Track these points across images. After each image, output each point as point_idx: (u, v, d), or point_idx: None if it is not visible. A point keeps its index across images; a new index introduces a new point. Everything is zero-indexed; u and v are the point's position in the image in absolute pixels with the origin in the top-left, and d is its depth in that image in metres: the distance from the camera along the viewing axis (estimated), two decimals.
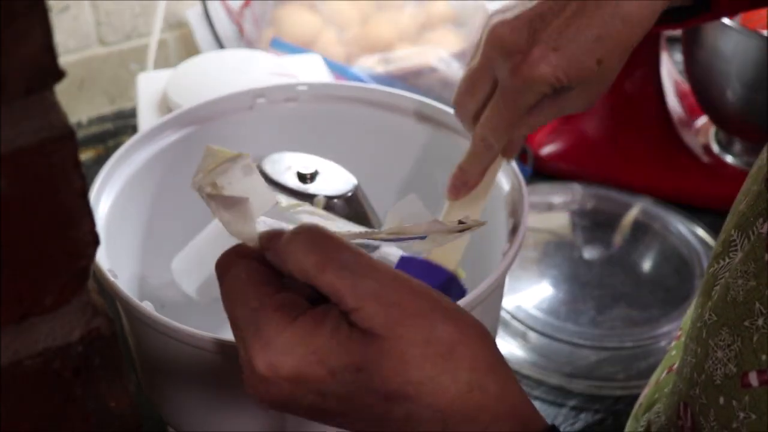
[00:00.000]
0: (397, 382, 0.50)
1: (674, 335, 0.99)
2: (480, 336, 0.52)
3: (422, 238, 0.58)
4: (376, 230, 0.56)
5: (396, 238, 0.57)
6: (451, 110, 0.87)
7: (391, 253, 0.77)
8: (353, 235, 0.56)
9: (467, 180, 0.78)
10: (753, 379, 0.60)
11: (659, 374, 0.81)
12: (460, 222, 0.57)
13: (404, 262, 0.76)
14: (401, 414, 0.51)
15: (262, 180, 0.55)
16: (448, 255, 0.76)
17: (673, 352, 0.80)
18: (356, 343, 0.50)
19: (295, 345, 0.50)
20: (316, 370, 0.50)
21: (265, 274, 0.53)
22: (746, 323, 0.60)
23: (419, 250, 0.65)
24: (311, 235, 0.51)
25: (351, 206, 0.78)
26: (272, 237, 0.53)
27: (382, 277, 0.50)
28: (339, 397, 0.51)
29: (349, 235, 0.56)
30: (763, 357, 0.59)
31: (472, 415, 0.51)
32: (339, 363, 0.50)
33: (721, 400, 0.62)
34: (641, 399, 0.83)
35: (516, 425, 0.51)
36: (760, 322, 0.59)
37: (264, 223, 0.57)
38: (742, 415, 0.60)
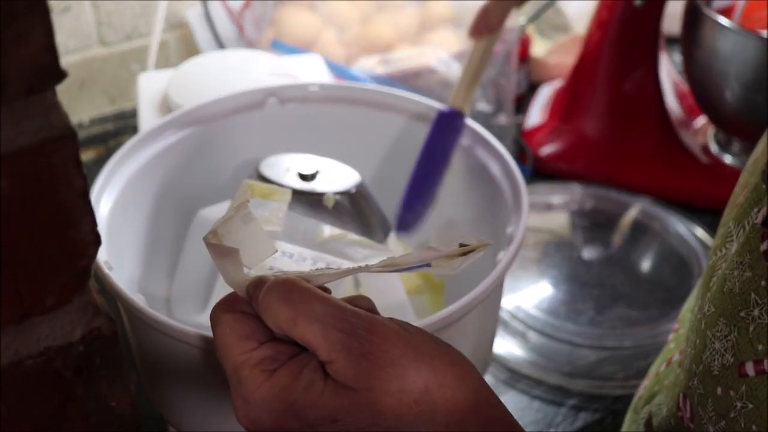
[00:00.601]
0: (374, 430, 0.50)
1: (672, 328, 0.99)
2: (458, 376, 0.51)
3: (426, 266, 0.56)
4: (371, 265, 0.55)
5: (393, 270, 0.56)
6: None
7: None
8: (347, 271, 0.55)
9: (490, 21, 0.91)
10: (749, 368, 0.60)
11: (658, 366, 0.81)
12: (462, 245, 0.55)
13: None
14: None
15: (261, 229, 0.55)
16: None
17: (672, 345, 0.80)
18: (331, 396, 0.50)
19: (271, 401, 0.51)
20: (294, 424, 0.51)
21: (250, 326, 0.54)
22: (742, 314, 0.60)
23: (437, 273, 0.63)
24: (283, 288, 0.52)
25: (356, 201, 0.78)
26: (256, 287, 0.54)
27: (353, 328, 0.51)
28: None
29: (342, 273, 0.56)
30: (760, 347, 0.59)
31: None
32: (315, 416, 0.50)
33: (719, 390, 0.62)
34: (640, 391, 0.83)
35: None
36: (756, 312, 0.59)
37: (281, 256, 0.57)
38: (739, 404, 0.61)
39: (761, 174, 0.63)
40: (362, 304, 0.55)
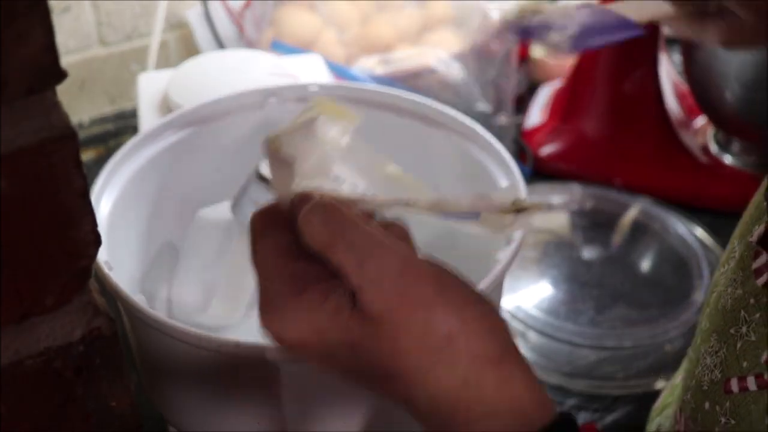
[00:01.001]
0: (390, 367, 0.51)
1: (673, 334, 1.00)
2: (486, 329, 0.51)
3: (473, 217, 0.55)
4: (419, 201, 0.54)
5: (440, 213, 0.55)
6: (456, 112, 0.88)
7: None
8: (394, 201, 0.55)
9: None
10: (734, 385, 0.60)
11: (675, 378, 0.81)
12: (516, 203, 0.54)
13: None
14: (400, 393, 0.52)
15: (321, 147, 0.55)
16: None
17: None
18: (355, 324, 0.51)
19: (296, 318, 0.52)
20: (316, 345, 0.52)
21: (286, 240, 0.54)
22: (732, 330, 0.61)
23: (471, 233, 0.58)
24: (327, 210, 0.52)
25: None
26: (301, 201, 0.54)
27: (389, 262, 0.51)
28: (341, 367, 0.54)
29: (388, 201, 0.55)
30: (745, 364, 0.59)
31: (463, 409, 0.50)
32: (336, 340, 0.51)
33: (707, 405, 0.63)
34: (659, 401, 0.83)
35: (513, 421, 0.50)
36: (744, 329, 0.59)
37: (335, 179, 0.57)
38: (723, 420, 0.61)
39: (765, 190, 0.63)
40: (398, 233, 0.55)
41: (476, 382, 0.50)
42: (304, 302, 0.52)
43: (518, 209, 0.54)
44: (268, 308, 0.53)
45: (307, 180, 0.55)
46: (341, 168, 0.64)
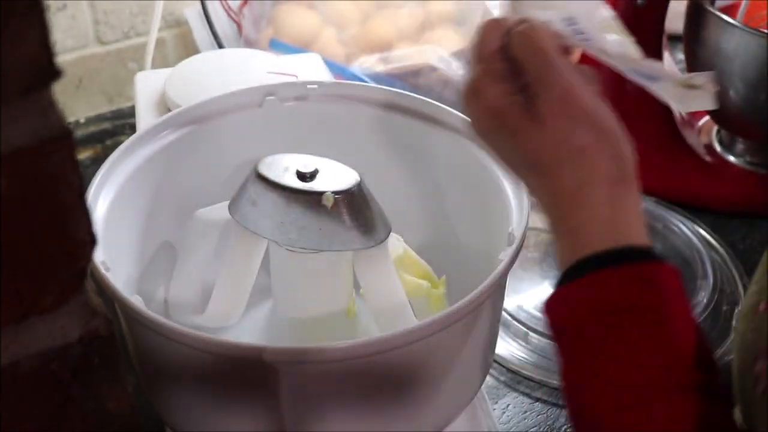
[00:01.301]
0: (533, 158, 0.66)
1: None
2: (614, 155, 0.66)
3: (655, 80, 0.70)
4: (611, 50, 0.70)
5: (628, 65, 0.71)
6: (457, 112, 0.87)
7: None
8: (585, 43, 0.70)
9: None
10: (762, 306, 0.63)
11: None
12: (688, 80, 0.66)
13: None
14: (534, 183, 0.68)
15: None
16: None
17: None
18: (524, 116, 0.66)
19: (490, 98, 0.67)
20: (494, 122, 0.67)
21: (500, 46, 0.68)
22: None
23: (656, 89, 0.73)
24: (536, 32, 0.67)
25: (356, 201, 0.78)
26: (520, 21, 0.68)
27: (563, 84, 0.65)
28: (499, 147, 0.70)
29: (581, 43, 0.70)
30: None
31: (575, 209, 0.64)
32: (508, 123, 0.66)
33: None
34: None
35: (608, 235, 0.63)
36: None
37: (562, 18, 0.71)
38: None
39: None
40: (584, 73, 0.68)
41: (589, 190, 0.63)
42: (499, 88, 0.67)
43: (690, 86, 0.67)
44: (474, 84, 0.68)
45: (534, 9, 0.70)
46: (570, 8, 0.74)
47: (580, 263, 0.64)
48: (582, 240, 0.64)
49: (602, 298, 0.62)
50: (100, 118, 1.45)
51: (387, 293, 0.81)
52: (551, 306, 0.65)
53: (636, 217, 0.65)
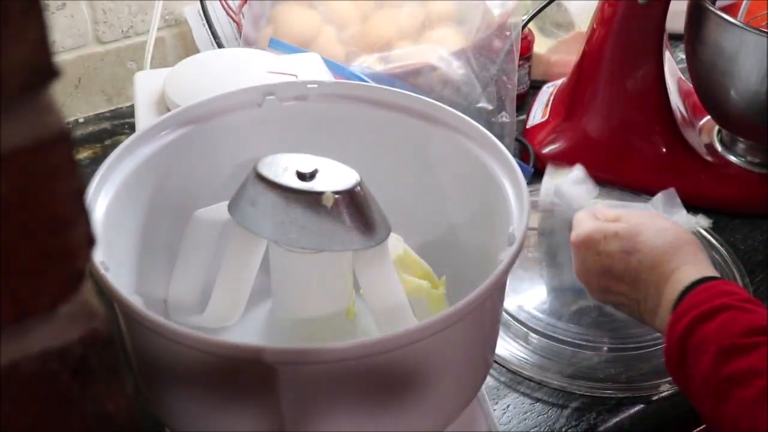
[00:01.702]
0: (633, 243, 0.96)
1: None
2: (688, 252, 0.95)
3: None
4: None
5: None
6: (460, 113, 0.87)
7: None
8: None
9: None
10: None
11: None
12: None
13: None
14: (634, 263, 0.95)
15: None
16: None
17: None
18: (622, 228, 0.98)
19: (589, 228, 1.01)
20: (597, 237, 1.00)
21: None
22: None
23: None
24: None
25: (356, 201, 0.78)
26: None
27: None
28: (606, 255, 0.98)
29: None
30: None
31: (657, 277, 0.94)
32: (608, 232, 0.99)
33: None
34: None
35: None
36: None
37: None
38: None
39: None
40: None
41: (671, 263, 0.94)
42: (594, 224, 1.02)
43: None
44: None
45: None
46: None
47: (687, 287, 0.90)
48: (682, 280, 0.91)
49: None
50: (99, 118, 1.45)
51: (386, 293, 0.81)
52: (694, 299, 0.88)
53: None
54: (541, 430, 0.97)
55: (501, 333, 1.05)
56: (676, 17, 1.26)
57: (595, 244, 0.98)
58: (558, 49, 1.51)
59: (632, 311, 0.98)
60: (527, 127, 1.36)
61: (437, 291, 0.88)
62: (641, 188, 1.25)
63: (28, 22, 0.37)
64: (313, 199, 0.76)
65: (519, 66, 1.33)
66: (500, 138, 0.88)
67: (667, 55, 1.28)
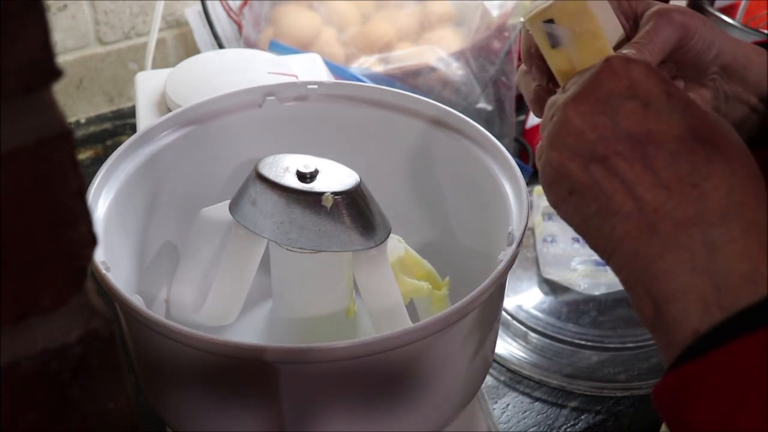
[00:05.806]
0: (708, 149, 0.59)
1: None
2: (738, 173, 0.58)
3: None
4: None
5: None
6: (460, 114, 0.87)
7: None
8: None
9: None
10: None
11: None
12: None
13: None
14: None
15: None
16: None
17: None
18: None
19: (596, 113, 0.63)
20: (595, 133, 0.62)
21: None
22: None
23: None
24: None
25: (355, 201, 0.78)
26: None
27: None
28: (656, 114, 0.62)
29: None
30: None
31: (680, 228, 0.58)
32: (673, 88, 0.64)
33: None
34: None
35: (707, 279, 0.56)
36: None
37: None
38: None
39: None
40: None
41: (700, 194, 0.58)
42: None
43: None
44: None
45: None
46: None
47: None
48: None
49: None
50: (100, 119, 1.45)
51: (384, 295, 0.81)
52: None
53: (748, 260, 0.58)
54: (541, 429, 0.97)
55: (500, 332, 1.05)
56: None
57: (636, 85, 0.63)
58: None
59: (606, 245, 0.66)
60: (526, 127, 1.36)
61: (440, 292, 0.88)
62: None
63: (29, 22, 0.37)
64: (313, 200, 0.77)
65: (518, 67, 1.33)
66: (500, 138, 0.88)
67: None
